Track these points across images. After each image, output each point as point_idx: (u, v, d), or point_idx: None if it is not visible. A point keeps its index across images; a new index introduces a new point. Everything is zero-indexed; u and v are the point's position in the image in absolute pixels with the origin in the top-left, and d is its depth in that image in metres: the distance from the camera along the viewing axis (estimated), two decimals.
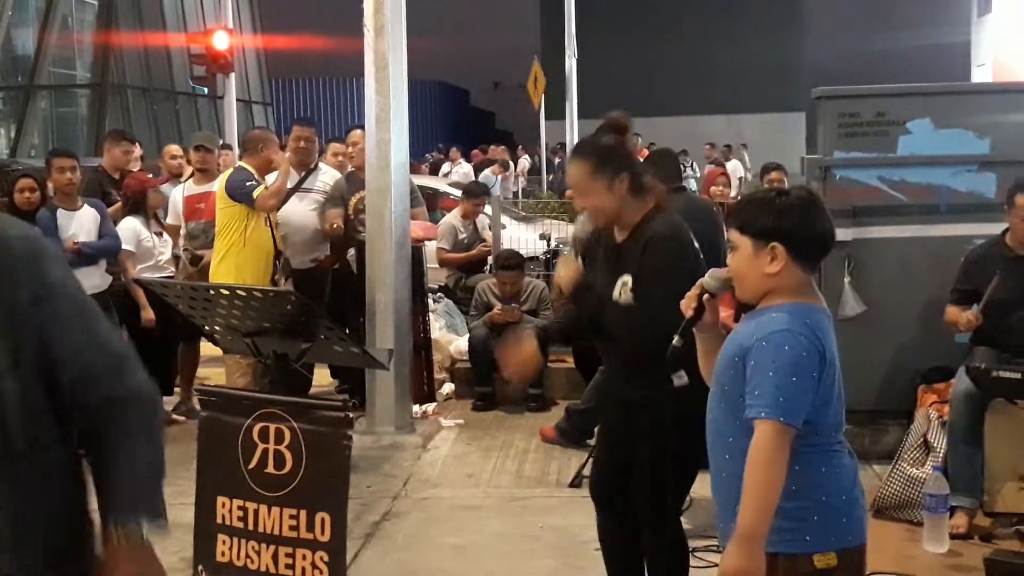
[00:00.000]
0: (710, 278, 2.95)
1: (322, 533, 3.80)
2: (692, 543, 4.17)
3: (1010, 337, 5.49)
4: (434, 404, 8.05)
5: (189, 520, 4.12)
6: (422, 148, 31.25)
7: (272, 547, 3.86)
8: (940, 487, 5.15)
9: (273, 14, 42.23)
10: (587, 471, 5.11)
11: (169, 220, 8.17)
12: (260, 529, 3.89)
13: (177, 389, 8.06)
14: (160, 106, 32.59)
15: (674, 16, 42.81)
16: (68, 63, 31.43)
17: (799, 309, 2.76)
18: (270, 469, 3.88)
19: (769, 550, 2.71)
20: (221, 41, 19.24)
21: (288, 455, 3.85)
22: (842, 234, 6.16)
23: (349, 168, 8.30)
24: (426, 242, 8.54)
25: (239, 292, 4.07)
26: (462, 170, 22.99)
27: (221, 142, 11.26)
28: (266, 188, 7.00)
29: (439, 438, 7.44)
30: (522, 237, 10.19)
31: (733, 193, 10.28)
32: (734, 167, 22.34)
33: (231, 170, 7.38)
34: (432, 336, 8.28)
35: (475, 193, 10.53)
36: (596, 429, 4.22)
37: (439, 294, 9.52)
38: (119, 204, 8.04)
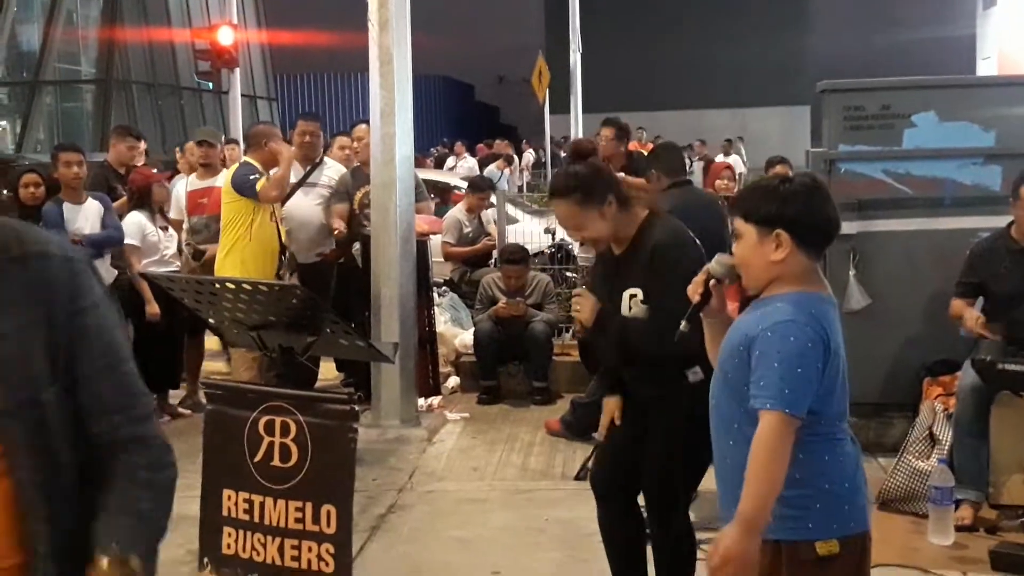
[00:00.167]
0: (716, 264, 2.95)
1: (328, 525, 3.81)
2: (698, 535, 4.17)
3: (1016, 330, 5.48)
4: (439, 397, 8.06)
5: (195, 513, 4.13)
6: (427, 143, 31.28)
7: (278, 539, 3.87)
8: (945, 480, 5.15)
9: (277, 9, 42.26)
10: (591, 464, 5.12)
11: (172, 214, 8.19)
12: (266, 522, 3.90)
13: (183, 383, 8.09)
14: (165, 101, 32.59)
15: (678, 10, 42.77)
16: (73, 59, 31.43)
17: (804, 299, 2.76)
18: (276, 462, 3.89)
19: (771, 537, 2.72)
20: (226, 36, 19.24)
21: (294, 448, 3.86)
22: (847, 227, 6.16)
23: (354, 163, 8.31)
24: (431, 236, 8.54)
25: (245, 286, 4.08)
26: (467, 165, 23.00)
27: (224, 137, 11.26)
28: (267, 180, 6.99)
29: (444, 431, 7.45)
30: (535, 231, 10.21)
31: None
32: (733, 162, 22.29)
33: (236, 165, 7.39)
34: (437, 330, 8.29)
35: (480, 187, 10.54)
36: (600, 422, 4.23)
37: (444, 288, 9.53)
38: (124, 199, 8.06)
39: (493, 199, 10.45)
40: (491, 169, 20.63)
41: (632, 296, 3.84)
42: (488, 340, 8.20)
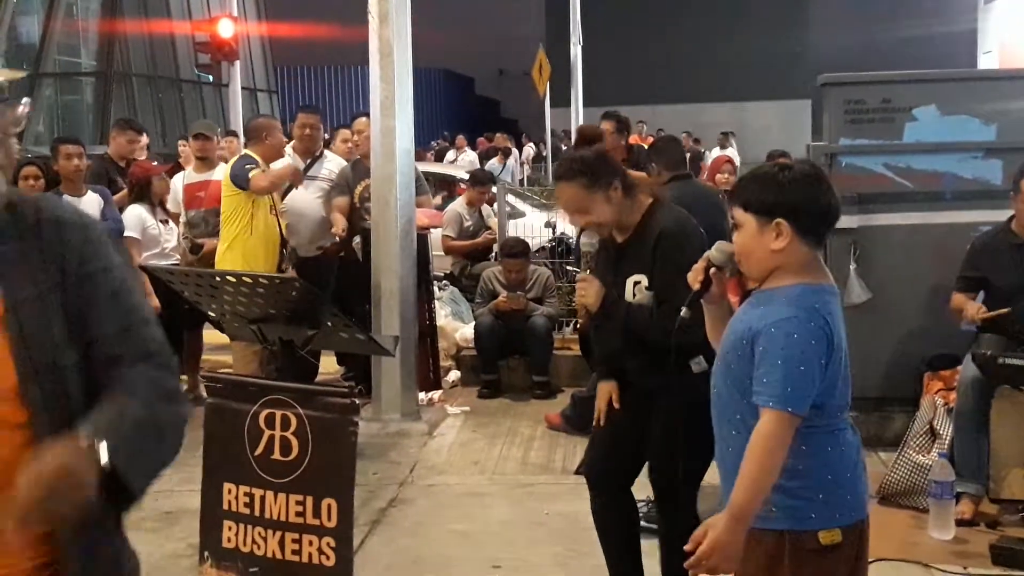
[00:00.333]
0: (716, 251, 2.94)
1: (329, 519, 3.81)
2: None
3: (1017, 324, 5.48)
4: (440, 391, 8.07)
5: (195, 506, 4.13)
6: (427, 136, 31.24)
7: (279, 533, 3.87)
8: (946, 474, 5.16)
9: (277, 2, 42.14)
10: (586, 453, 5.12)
11: (169, 208, 8.19)
12: (267, 515, 3.90)
13: (184, 376, 8.09)
14: (165, 94, 32.55)
15: (678, 4, 42.64)
16: (73, 51, 31.37)
17: (807, 292, 2.75)
18: (276, 455, 3.89)
19: (775, 527, 2.74)
20: (226, 29, 19.23)
21: (294, 441, 3.86)
22: (848, 221, 6.16)
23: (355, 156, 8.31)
24: (431, 230, 8.54)
25: (245, 279, 4.07)
26: (468, 158, 22.98)
27: (221, 130, 11.25)
28: (263, 171, 6.97)
29: (445, 425, 7.46)
30: (537, 225, 10.21)
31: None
32: (730, 155, 22.26)
33: (236, 158, 7.39)
34: (438, 324, 8.30)
35: (480, 180, 10.54)
36: (596, 408, 4.21)
37: (444, 282, 9.53)
38: (124, 192, 8.06)
39: (508, 196, 10.42)
40: (493, 163, 20.63)
41: (636, 283, 3.82)
42: (489, 334, 8.20)
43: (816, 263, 2.83)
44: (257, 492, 3.92)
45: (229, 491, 3.98)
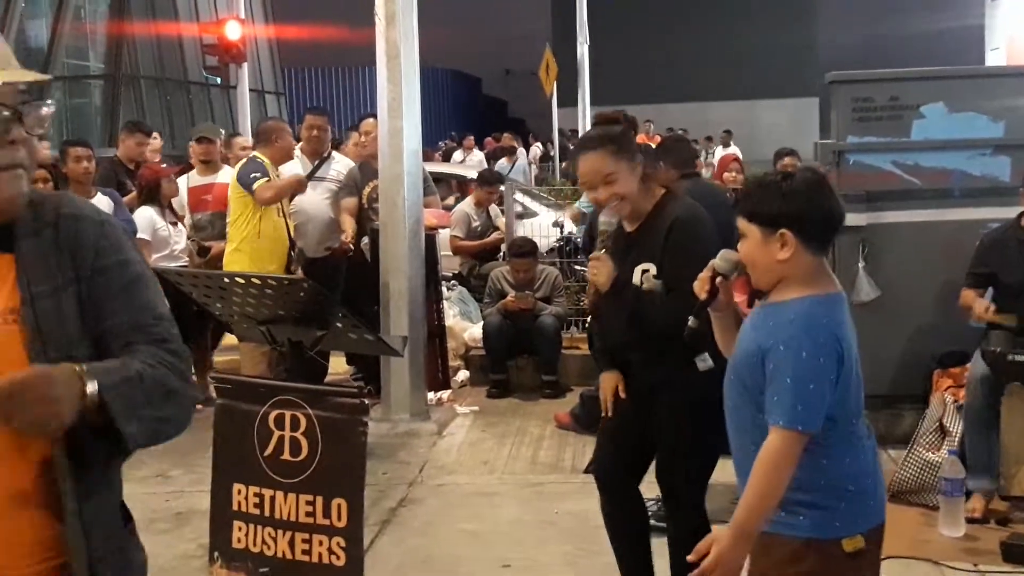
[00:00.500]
0: (721, 260, 2.94)
1: (339, 519, 3.81)
2: (713, 528, 4.17)
3: None
4: (449, 391, 8.07)
5: (206, 507, 4.14)
6: (435, 136, 31.23)
7: (288, 533, 3.87)
8: (956, 471, 5.15)
9: (285, 3, 42.19)
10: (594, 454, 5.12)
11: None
12: (276, 516, 3.90)
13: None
14: (173, 96, 32.60)
15: (685, 2, 42.65)
16: (81, 54, 31.43)
17: (815, 305, 2.74)
18: (286, 456, 3.89)
19: (800, 535, 2.74)
20: (233, 31, 19.24)
21: (304, 442, 3.86)
22: (856, 219, 6.16)
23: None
24: (439, 230, 8.55)
25: (254, 280, 4.08)
26: (476, 158, 22.97)
27: (224, 132, 11.25)
28: (269, 181, 6.99)
29: (454, 425, 7.47)
30: (547, 224, 10.20)
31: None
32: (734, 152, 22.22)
33: (244, 161, 7.41)
34: (446, 324, 8.30)
35: (488, 181, 10.54)
36: (601, 399, 4.20)
37: (453, 282, 9.54)
38: (134, 194, 8.08)
39: (520, 196, 10.42)
40: (502, 163, 20.63)
41: (644, 271, 3.80)
42: (497, 334, 8.21)
43: (822, 270, 2.83)
44: (267, 492, 3.93)
45: (239, 491, 3.99)
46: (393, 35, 7.29)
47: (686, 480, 3.97)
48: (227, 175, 8.18)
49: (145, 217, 7.61)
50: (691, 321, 2.99)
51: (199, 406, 7.58)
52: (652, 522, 4.36)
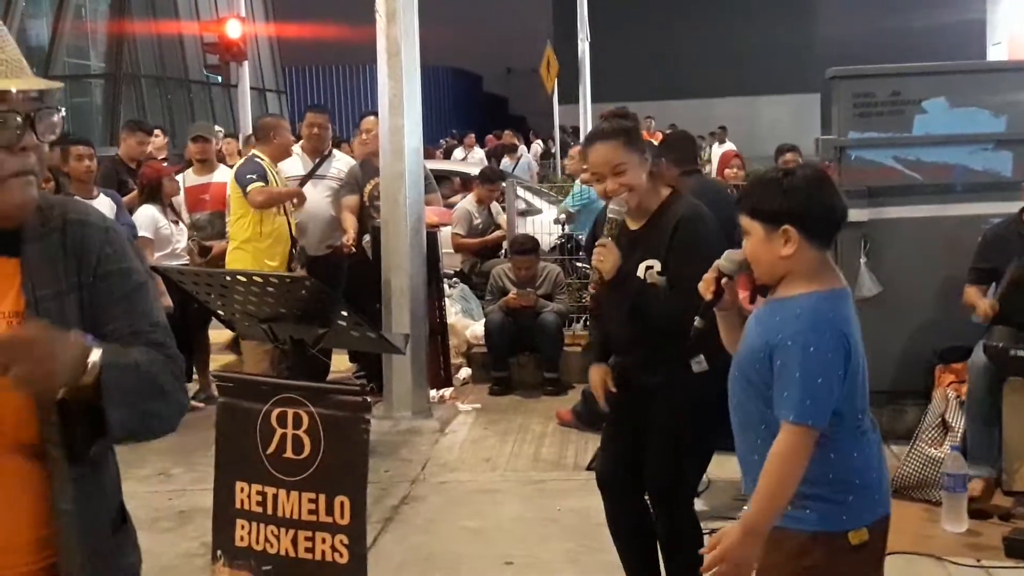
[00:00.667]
0: (725, 260, 2.94)
1: (342, 517, 3.81)
2: (711, 524, 4.17)
3: None
4: (451, 389, 8.08)
5: (208, 505, 4.14)
6: (436, 134, 31.23)
7: (291, 531, 3.87)
8: (958, 467, 5.15)
9: (285, 1, 42.24)
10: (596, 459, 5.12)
11: None
12: (279, 514, 3.90)
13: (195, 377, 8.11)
14: (174, 95, 32.63)
15: None
16: (82, 53, 31.46)
17: (821, 301, 2.75)
18: (289, 454, 3.89)
19: (807, 529, 2.74)
20: (234, 29, 19.26)
21: (306, 440, 3.86)
22: (858, 215, 6.15)
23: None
24: (441, 228, 8.54)
25: (255, 278, 4.08)
26: (477, 156, 22.96)
27: (221, 131, 11.27)
28: (264, 185, 7.00)
29: (456, 422, 7.47)
30: (549, 222, 10.19)
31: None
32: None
33: (243, 159, 7.41)
34: (448, 321, 8.30)
35: (490, 178, 10.54)
36: (592, 388, 4.20)
37: (454, 279, 9.54)
38: (135, 192, 8.08)
39: (523, 193, 10.41)
40: (506, 162, 20.63)
41: (648, 268, 3.81)
42: (499, 331, 8.21)
43: (826, 266, 2.83)
44: (270, 490, 3.93)
45: (242, 490, 3.99)
46: (394, 32, 7.28)
47: (681, 480, 3.98)
48: (224, 174, 8.20)
49: (147, 215, 7.61)
50: (697, 321, 2.99)
51: (201, 404, 7.68)
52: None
